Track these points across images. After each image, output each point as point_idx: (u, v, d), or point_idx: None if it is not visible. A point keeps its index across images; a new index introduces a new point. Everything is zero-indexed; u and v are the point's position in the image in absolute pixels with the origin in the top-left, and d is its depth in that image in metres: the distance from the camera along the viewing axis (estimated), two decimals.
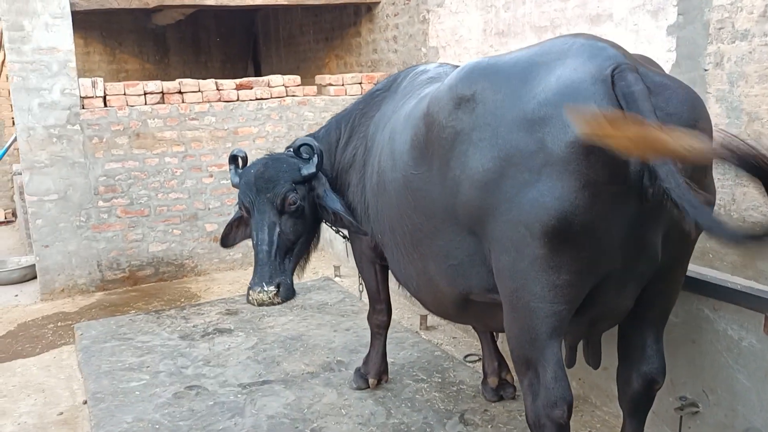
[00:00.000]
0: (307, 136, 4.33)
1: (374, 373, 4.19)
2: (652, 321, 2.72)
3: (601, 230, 2.32)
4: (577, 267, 2.37)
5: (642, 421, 2.90)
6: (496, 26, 5.85)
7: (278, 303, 3.72)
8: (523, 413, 3.67)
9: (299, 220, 3.83)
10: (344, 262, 6.94)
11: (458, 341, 4.95)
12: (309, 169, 3.80)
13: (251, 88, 7.28)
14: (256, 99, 7.28)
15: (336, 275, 6.80)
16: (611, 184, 2.27)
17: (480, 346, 4.18)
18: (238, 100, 7.21)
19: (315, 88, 7.65)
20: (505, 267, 2.48)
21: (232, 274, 7.14)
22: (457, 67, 3.64)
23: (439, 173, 2.72)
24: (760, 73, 3.69)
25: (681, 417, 3.18)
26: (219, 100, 7.11)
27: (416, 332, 5.18)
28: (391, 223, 3.16)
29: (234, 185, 4.06)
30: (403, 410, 3.96)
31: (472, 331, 4.91)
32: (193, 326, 5.52)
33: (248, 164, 4.07)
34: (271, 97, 7.37)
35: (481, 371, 4.38)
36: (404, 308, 5.71)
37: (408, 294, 3.65)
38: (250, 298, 3.69)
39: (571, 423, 3.60)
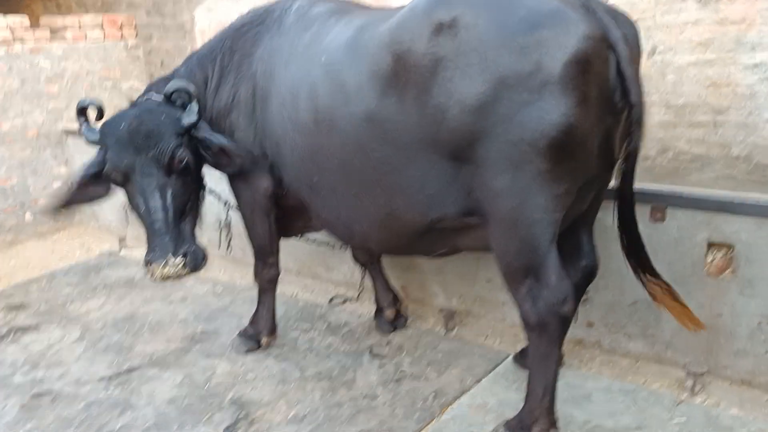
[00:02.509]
0: (164, 77, 3.76)
1: (267, 331, 3.94)
2: (590, 222, 3.15)
3: (590, 140, 2.62)
4: (573, 176, 2.63)
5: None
6: None
7: (186, 274, 3.28)
8: (426, 338, 3.95)
9: (188, 177, 3.38)
10: (118, 232, 6.17)
11: (312, 288, 4.87)
12: (190, 118, 3.34)
13: None
14: None
15: (122, 248, 5.99)
16: (598, 97, 2.56)
17: (349, 290, 4.22)
18: None
19: (48, 32, 6.43)
20: (503, 186, 2.60)
21: None
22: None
23: (415, 102, 2.69)
24: None
25: None
26: None
27: None
28: (341, 161, 2.99)
29: (90, 142, 3.36)
30: (311, 360, 3.83)
31: (325, 275, 4.92)
32: None
33: (106, 117, 3.41)
34: None
35: (354, 311, 4.46)
36: (230, 268, 5.36)
37: (332, 237, 3.52)
38: (154, 273, 3.21)
39: (464, 335, 3.99)
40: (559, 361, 2.81)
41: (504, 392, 3.40)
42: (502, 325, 4.12)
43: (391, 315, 4.09)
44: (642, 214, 3.45)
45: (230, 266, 5.40)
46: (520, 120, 2.49)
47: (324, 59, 3.04)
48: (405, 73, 2.69)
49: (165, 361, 3.90)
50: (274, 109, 3.28)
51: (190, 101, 3.37)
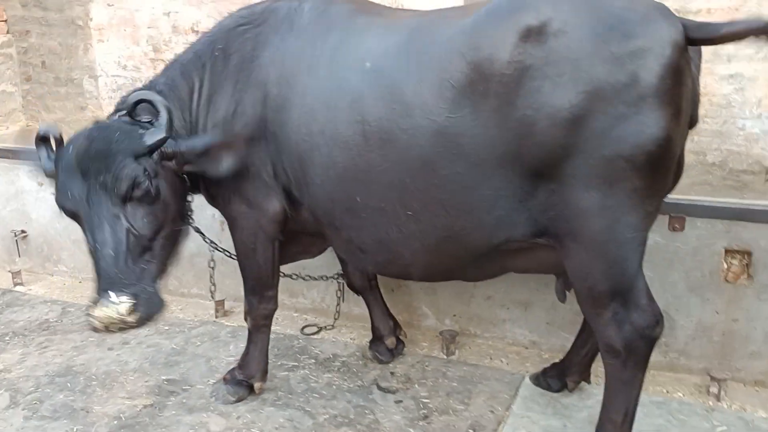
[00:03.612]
0: (138, 90, 3.14)
1: (260, 375, 3.42)
2: None
3: (678, 153, 2.53)
4: (662, 192, 2.53)
5: None
6: None
7: (134, 324, 2.71)
8: (430, 364, 3.70)
9: (154, 206, 2.82)
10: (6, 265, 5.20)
11: (275, 319, 4.35)
12: (155, 135, 2.80)
13: None
14: None
15: (17, 284, 5.01)
16: (687, 107, 2.47)
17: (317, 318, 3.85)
18: None
19: None
20: (592, 205, 2.41)
21: None
22: None
23: (495, 114, 2.43)
24: None
25: None
26: None
27: (217, 322, 4.36)
28: (397, 179, 2.63)
29: (48, 175, 2.85)
30: (317, 403, 3.39)
31: (288, 303, 4.46)
32: None
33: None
34: None
35: (336, 341, 4.08)
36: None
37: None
38: (94, 317, 2.66)
39: (467, 358, 3.78)
40: (641, 386, 2.67)
41: (544, 419, 3.22)
42: (503, 344, 3.95)
43: (393, 343, 3.76)
44: (661, 224, 3.46)
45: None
46: (616, 134, 2.33)
47: (369, 66, 2.65)
48: (484, 83, 2.42)
49: (140, 423, 3.24)
50: (296, 121, 2.82)
51: (158, 113, 2.83)
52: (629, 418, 2.67)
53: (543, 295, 3.79)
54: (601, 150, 2.35)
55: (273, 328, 4.18)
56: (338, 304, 4.18)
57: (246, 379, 3.40)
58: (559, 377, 3.40)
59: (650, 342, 2.57)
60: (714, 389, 3.36)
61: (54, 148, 2.85)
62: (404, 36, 2.66)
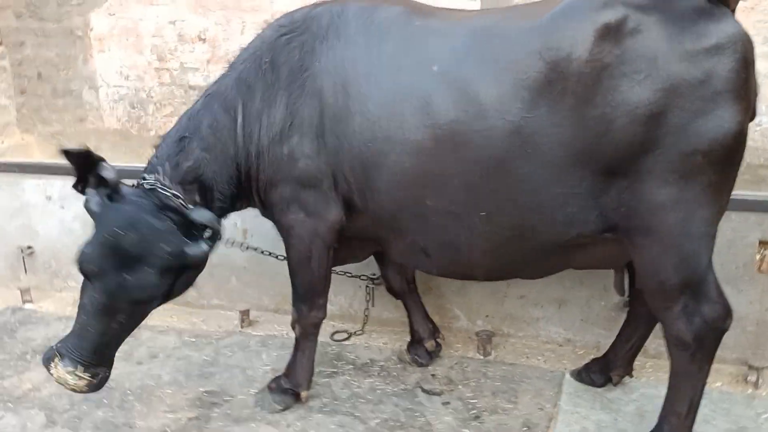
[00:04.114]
0: (171, 140, 3.13)
1: (307, 383, 3.38)
2: None
3: None
4: (732, 186, 2.59)
5: None
6: None
7: (81, 391, 2.85)
8: (468, 365, 3.72)
9: (151, 304, 2.92)
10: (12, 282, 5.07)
11: None
12: (195, 251, 2.83)
13: None
14: None
15: (26, 301, 4.86)
16: (753, 100, 2.55)
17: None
18: None
19: None
20: (667, 200, 2.47)
21: None
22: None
23: (573, 113, 2.47)
24: None
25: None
26: None
27: (243, 332, 4.30)
28: (471, 181, 2.64)
29: (89, 212, 2.84)
30: (365, 408, 3.36)
31: None
32: None
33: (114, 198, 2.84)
34: None
35: (369, 345, 4.07)
36: (177, 311, 4.53)
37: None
38: (53, 371, 2.77)
39: (504, 357, 3.83)
40: (706, 378, 2.72)
41: (593, 413, 3.25)
42: (537, 343, 3.98)
43: (432, 346, 3.76)
44: None
45: (179, 309, 4.56)
46: (694, 130, 2.39)
47: (437, 68, 2.66)
48: (562, 82, 2.46)
49: None
50: (358, 128, 2.79)
51: (211, 235, 2.87)
52: (693, 409, 2.72)
53: (577, 293, 3.84)
54: (679, 145, 2.41)
55: None
56: (367, 309, 4.17)
57: (292, 388, 3.36)
58: (602, 372, 3.44)
59: (720, 334, 2.62)
60: (752, 378, 3.44)
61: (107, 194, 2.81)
62: (471, 37, 2.67)
